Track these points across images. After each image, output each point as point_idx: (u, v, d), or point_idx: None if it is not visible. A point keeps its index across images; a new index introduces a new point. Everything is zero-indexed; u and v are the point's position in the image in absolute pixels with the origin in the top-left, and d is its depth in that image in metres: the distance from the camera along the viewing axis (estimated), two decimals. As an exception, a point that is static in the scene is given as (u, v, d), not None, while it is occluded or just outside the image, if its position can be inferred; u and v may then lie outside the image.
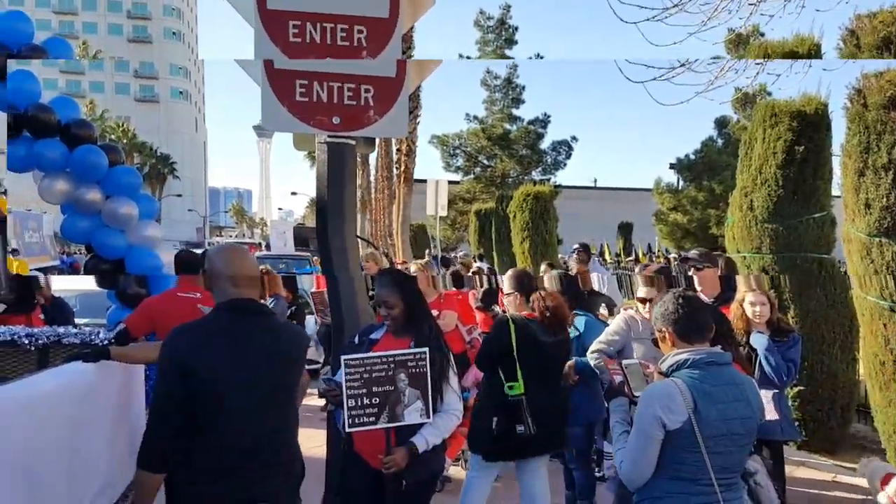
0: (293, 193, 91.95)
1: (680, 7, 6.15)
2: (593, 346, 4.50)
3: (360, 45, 3.88)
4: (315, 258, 20.55)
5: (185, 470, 2.57)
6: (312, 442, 6.32)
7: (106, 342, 5.06)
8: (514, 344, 4.10)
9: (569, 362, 4.64)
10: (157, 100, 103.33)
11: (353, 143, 4.09)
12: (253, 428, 2.63)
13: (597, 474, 5.98)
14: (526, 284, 4.42)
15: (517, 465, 4.38)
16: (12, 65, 4.77)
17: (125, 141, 60.52)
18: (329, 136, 3.98)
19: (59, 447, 3.37)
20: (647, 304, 4.38)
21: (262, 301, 6.22)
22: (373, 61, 3.88)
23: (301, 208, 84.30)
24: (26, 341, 5.27)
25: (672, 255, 21.80)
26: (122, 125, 65.86)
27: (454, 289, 8.09)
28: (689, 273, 5.02)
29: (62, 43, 4.80)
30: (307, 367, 6.88)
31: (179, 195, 69.20)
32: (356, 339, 3.50)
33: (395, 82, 3.98)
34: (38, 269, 15.50)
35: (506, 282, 4.52)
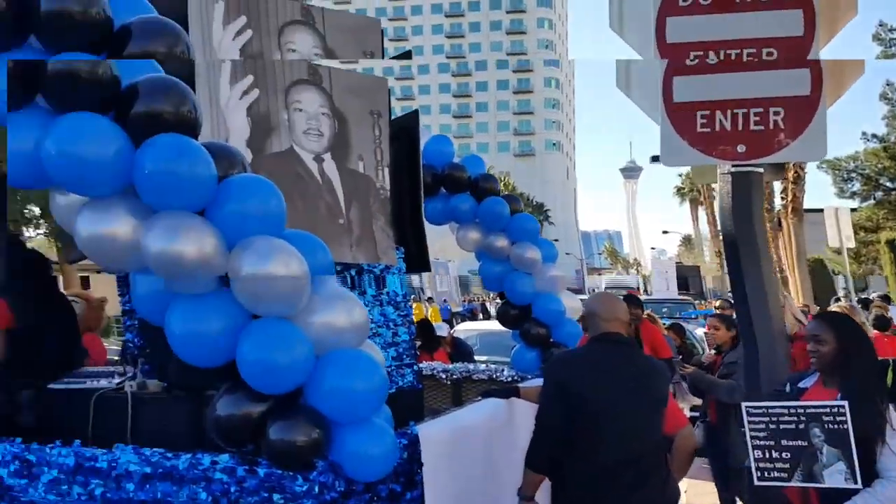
0: (664, 232, 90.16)
1: None
2: None
3: (771, 68, 3.61)
4: (697, 302, 19.70)
5: (563, 474, 2.95)
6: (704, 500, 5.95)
7: (509, 379, 5.46)
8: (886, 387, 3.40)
9: None
10: (533, 153, 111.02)
11: (760, 170, 3.81)
12: (618, 447, 2.88)
13: None
14: None
15: None
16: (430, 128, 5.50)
17: (507, 193, 65.78)
18: (733, 166, 3.75)
19: (482, 477, 3.61)
20: None
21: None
22: (783, 79, 3.56)
23: (674, 247, 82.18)
24: (443, 376, 5.94)
25: None
26: (504, 179, 71.93)
27: (876, 331, 7.05)
28: None
29: (477, 159, 5.57)
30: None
31: (556, 240, 72.73)
32: (787, 387, 3.18)
33: (810, 101, 3.60)
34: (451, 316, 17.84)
35: None
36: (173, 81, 2.45)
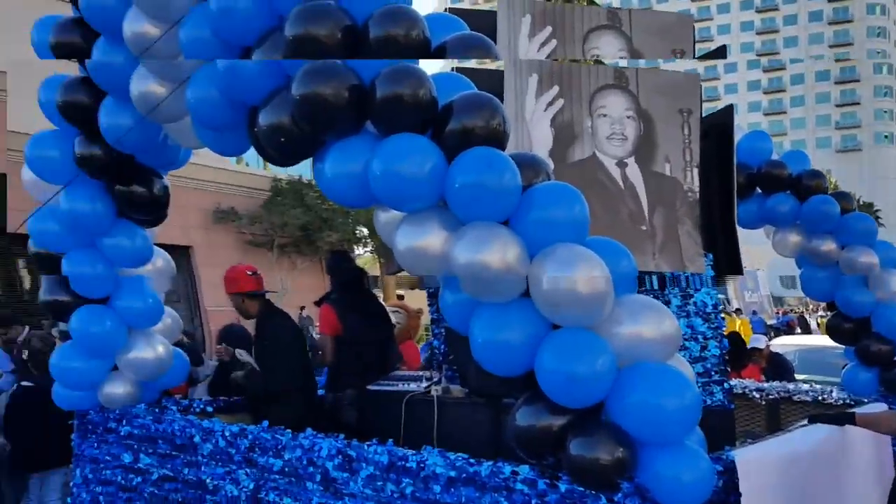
0: None
1: None
2: None
3: None
4: None
5: None
6: None
7: (839, 402, 4.83)
8: None
9: None
10: (859, 148, 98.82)
11: None
12: None
13: None
14: None
15: None
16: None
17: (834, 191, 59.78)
18: None
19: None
20: None
21: None
22: None
23: None
24: (757, 395, 5.49)
25: None
26: (826, 177, 65.10)
27: None
28: None
29: (800, 155, 5.13)
30: None
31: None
32: None
33: None
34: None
35: None
36: (485, 97, 2.53)
